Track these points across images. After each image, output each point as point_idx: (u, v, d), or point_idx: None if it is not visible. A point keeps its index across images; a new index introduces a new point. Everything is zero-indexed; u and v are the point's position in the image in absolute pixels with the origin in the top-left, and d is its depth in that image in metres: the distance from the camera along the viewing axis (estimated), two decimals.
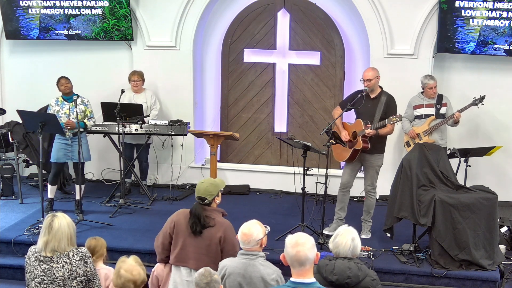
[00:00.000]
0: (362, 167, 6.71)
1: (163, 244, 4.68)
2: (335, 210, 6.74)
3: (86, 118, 7.26)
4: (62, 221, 4.02)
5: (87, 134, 7.51)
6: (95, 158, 8.63)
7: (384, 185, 7.10)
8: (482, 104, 7.06)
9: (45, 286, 3.99)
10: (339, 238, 4.03)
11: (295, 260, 3.45)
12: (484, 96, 7.02)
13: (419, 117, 7.19)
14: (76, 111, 7.03)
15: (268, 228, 4.23)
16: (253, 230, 4.08)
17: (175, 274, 4.64)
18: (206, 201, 4.64)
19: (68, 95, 7.26)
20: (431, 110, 7.14)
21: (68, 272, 3.99)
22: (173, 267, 4.66)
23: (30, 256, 4.08)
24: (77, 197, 7.26)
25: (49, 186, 7.30)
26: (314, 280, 3.50)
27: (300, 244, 3.45)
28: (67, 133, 7.11)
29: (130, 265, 3.76)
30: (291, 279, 3.49)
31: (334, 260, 3.98)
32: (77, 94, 7.29)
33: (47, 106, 7.49)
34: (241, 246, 4.11)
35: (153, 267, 6.02)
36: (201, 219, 4.54)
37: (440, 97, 7.21)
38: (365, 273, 3.96)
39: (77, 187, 7.24)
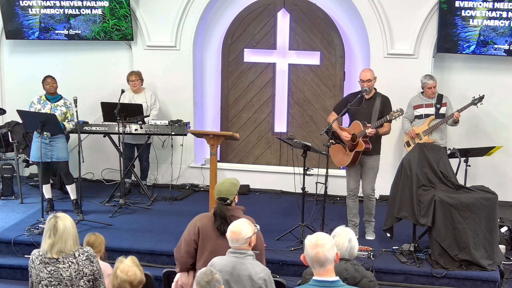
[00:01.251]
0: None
1: (188, 252, 4.62)
2: (349, 218, 6.69)
3: (66, 121, 7.20)
4: (66, 222, 4.02)
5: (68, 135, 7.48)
6: (95, 158, 8.65)
7: (384, 185, 7.10)
8: (481, 103, 7.06)
9: (52, 287, 4.00)
10: (336, 239, 4.02)
11: (315, 261, 3.44)
12: (483, 95, 7.02)
13: (419, 117, 7.19)
14: (76, 111, 7.01)
15: (258, 226, 4.24)
16: (242, 229, 4.10)
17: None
18: (228, 201, 4.63)
19: (53, 95, 7.24)
20: (431, 110, 7.14)
21: (75, 272, 3.99)
22: None
23: (34, 259, 4.06)
24: (72, 197, 7.26)
25: (43, 187, 7.25)
26: (337, 278, 3.48)
27: (319, 245, 3.44)
28: (46, 133, 7.05)
29: (126, 265, 3.77)
30: (314, 277, 3.47)
31: None
32: (60, 95, 7.27)
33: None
34: (230, 245, 4.13)
35: (153, 267, 6.06)
36: (227, 219, 4.51)
37: (440, 97, 7.21)
38: (362, 274, 3.95)
39: (68, 188, 7.24)
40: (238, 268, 4.05)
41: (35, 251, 4.09)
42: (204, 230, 4.57)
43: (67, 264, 3.98)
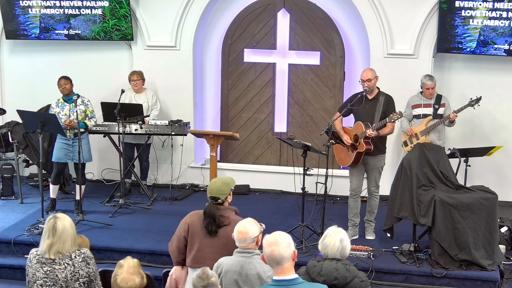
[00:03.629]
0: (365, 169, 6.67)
1: (178, 248, 4.68)
2: (349, 217, 6.67)
3: (87, 118, 7.23)
4: (66, 223, 4.02)
5: (88, 135, 7.48)
6: (95, 158, 8.64)
7: (384, 185, 7.09)
8: (478, 105, 7.05)
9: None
10: (328, 239, 4.02)
11: (272, 260, 3.52)
12: (481, 97, 7.01)
13: (417, 116, 7.19)
14: (76, 111, 7.01)
15: (263, 225, 4.26)
16: (249, 228, 4.12)
17: (192, 276, 4.63)
18: (219, 200, 4.64)
19: (68, 96, 7.24)
20: (429, 110, 7.14)
21: (71, 273, 3.99)
22: (190, 269, 4.63)
23: (31, 258, 4.06)
24: (77, 197, 7.26)
25: (51, 186, 7.29)
26: (296, 276, 3.55)
27: (274, 244, 3.52)
28: (68, 134, 7.08)
29: (127, 273, 3.75)
30: (274, 277, 3.55)
31: (322, 261, 3.98)
32: (77, 94, 7.27)
33: (48, 106, 7.48)
34: (237, 244, 4.15)
35: (153, 267, 6.07)
36: (216, 219, 4.53)
37: (439, 97, 7.21)
38: (354, 274, 3.94)
39: (77, 187, 7.24)
40: (246, 268, 4.06)
41: (33, 250, 4.10)
42: (193, 227, 4.61)
43: (63, 266, 3.98)
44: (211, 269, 4.21)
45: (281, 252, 3.50)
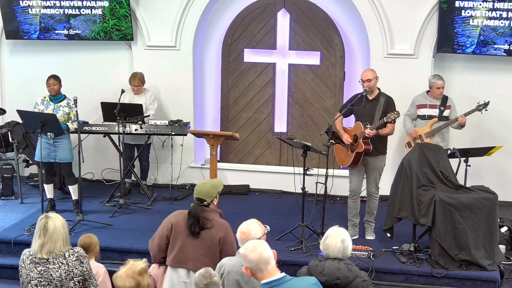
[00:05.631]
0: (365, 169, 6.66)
1: (159, 246, 4.67)
2: (349, 218, 6.68)
3: (70, 121, 7.14)
4: (57, 222, 4.01)
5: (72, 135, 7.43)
6: (95, 158, 8.65)
7: (384, 185, 7.10)
8: (486, 110, 7.03)
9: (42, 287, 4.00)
10: (329, 240, 4.05)
11: (261, 262, 3.57)
12: (488, 102, 6.98)
13: (422, 117, 7.16)
14: (77, 111, 6.99)
15: (268, 227, 4.26)
16: (252, 229, 4.12)
17: (172, 275, 4.63)
18: (205, 202, 4.64)
19: (55, 96, 7.19)
20: (434, 112, 7.11)
21: (65, 272, 3.99)
22: (170, 268, 4.64)
23: (24, 259, 4.06)
24: (73, 197, 7.27)
25: (45, 186, 7.23)
26: (283, 274, 3.61)
27: (257, 247, 3.61)
28: (49, 134, 7.02)
29: (124, 273, 3.75)
30: (262, 282, 3.59)
31: (324, 261, 3.99)
32: (64, 95, 7.24)
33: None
34: (239, 245, 4.14)
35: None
36: (200, 220, 4.55)
37: (445, 99, 7.17)
38: (356, 274, 3.96)
39: (70, 188, 7.23)
40: None
41: (25, 251, 4.09)
42: (177, 226, 4.62)
43: (57, 265, 3.98)
44: (194, 271, 4.22)
45: (268, 252, 3.61)
